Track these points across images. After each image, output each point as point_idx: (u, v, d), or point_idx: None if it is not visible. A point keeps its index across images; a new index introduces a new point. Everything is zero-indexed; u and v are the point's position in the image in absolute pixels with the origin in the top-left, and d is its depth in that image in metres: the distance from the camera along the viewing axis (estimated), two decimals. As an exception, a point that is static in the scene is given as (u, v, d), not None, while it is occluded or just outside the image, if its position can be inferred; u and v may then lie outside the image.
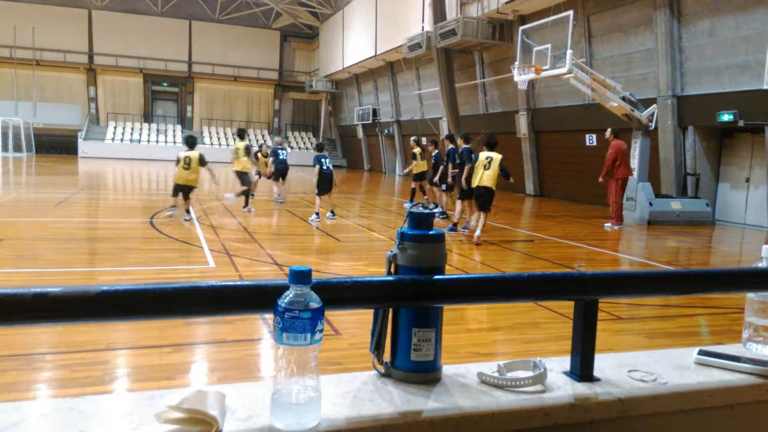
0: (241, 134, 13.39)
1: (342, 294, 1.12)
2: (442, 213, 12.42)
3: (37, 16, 37.29)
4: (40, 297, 0.93)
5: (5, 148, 33.76)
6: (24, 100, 37.03)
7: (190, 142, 11.31)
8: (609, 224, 12.66)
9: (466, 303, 1.28)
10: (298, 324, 0.95)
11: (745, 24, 12.59)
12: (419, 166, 15.12)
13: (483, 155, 9.93)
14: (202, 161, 11.05)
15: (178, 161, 11.08)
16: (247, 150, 12.99)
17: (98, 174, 23.75)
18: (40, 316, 0.97)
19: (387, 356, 1.24)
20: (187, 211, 11.33)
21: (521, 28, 15.96)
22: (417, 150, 15.25)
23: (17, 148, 34.86)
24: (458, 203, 10.85)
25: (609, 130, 12.72)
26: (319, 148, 12.16)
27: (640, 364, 1.36)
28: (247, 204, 12.71)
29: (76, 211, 11.99)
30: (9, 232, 8.87)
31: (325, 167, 11.55)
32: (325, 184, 11.63)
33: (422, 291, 1.18)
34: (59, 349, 4.19)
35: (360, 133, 36.01)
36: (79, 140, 36.37)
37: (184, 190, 11.15)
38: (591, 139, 17.16)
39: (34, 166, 27.21)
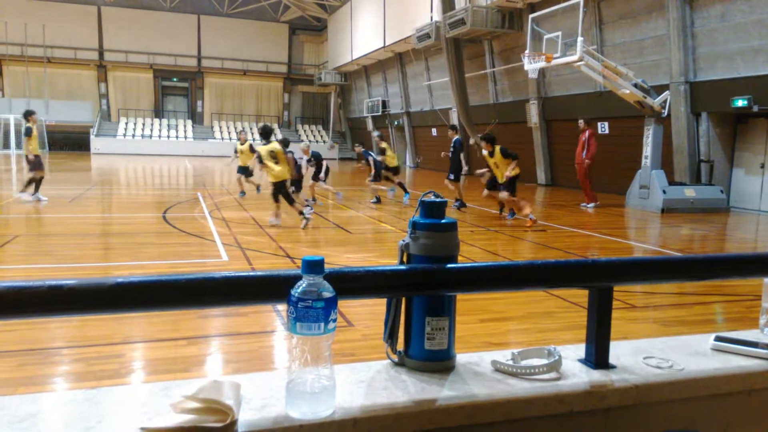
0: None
1: (355, 283, 1.12)
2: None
3: (47, 14, 37.51)
4: (56, 289, 0.94)
5: (19, 146, 34.02)
6: (36, 97, 37.28)
7: (490, 138, 8.18)
8: (592, 204, 13.65)
9: (480, 291, 1.27)
10: (311, 313, 0.95)
11: (758, 8, 12.39)
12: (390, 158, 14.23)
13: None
14: (505, 154, 8.29)
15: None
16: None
17: (111, 170, 23.90)
18: (56, 308, 0.97)
19: (401, 345, 1.24)
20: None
21: (531, 16, 15.80)
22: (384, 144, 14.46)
23: (31, 145, 35.08)
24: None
25: (581, 120, 13.76)
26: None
27: (655, 350, 1.35)
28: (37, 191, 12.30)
29: (89, 207, 12.09)
30: (24, 229, 8.96)
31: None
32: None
33: (435, 280, 1.17)
34: (75, 343, 4.24)
35: (370, 125, 35.96)
36: (92, 137, 36.60)
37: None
38: (603, 127, 17.02)
39: (48, 163, 27.39)
